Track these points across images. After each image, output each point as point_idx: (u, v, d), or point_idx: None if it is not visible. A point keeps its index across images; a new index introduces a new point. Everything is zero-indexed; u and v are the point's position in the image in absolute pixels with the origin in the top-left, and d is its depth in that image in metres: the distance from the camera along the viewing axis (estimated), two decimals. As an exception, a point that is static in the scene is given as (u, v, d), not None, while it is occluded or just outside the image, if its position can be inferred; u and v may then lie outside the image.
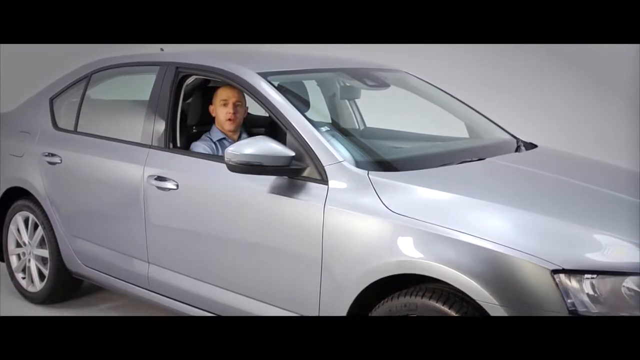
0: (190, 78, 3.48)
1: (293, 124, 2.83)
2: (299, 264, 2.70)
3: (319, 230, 2.61)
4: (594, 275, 2.17)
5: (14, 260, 4.19)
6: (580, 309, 2.13)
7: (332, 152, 2.71)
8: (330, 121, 3.73)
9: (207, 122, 3.50)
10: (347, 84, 3.81)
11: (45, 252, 3.98)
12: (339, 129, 3.45)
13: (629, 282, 2.16)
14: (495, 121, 3.69)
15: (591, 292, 2.16)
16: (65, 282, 3.97)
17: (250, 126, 3.71)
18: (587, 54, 5.72)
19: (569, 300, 2.14)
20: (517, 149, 3.32)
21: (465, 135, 3.60)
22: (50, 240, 3.91)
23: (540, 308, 2.16)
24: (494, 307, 2.20)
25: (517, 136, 3.54)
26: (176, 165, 3.21)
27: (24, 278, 4.14)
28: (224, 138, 3.42)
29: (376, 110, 4.18)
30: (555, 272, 2.15)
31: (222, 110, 3.40)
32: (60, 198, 3.81)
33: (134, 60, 3.77)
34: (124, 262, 3.49)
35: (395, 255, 2.41)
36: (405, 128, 3.85)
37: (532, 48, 5.67)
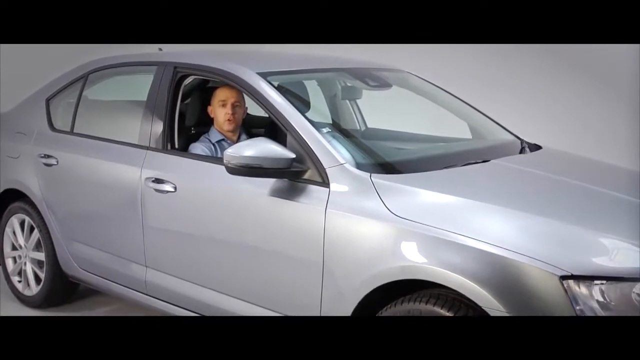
0: (189, 78, 3.42)
1: (293, 125, 2.77)
2: (300, 268, 2.64)
3: (320, 235, 2.55)
4: (603, 282, 2.11)
5: (9, 263, 4.14)
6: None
7: (334, 154, 2.65)
8: (330, 122, 3.67)
9: (205, 123, 3.44)
10: (349, 84, 3.76)
11: (41, 255, 3.93)
12: (340, 130, 3.39)
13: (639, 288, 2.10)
14: (497, 122, 3.63)
15: (601, 299, 2.10)
16: (61, 286, 3.92)
17: (250, 127, 3.65)
18: (587, 54, 5.69)
19: (577, 307, 2.08)
20: (522, 151, 3.26)
21: (468, 136, 3.55)
22: (47, 243, 3.86)
23: (548, 315, 2.10)
24: (500, 314, 2.14)
25: (521, 137, 3.48)
26: (174, 167, 3.15)
27: (20, 281, 4.09)
28: (222, 139, 3.36)
29: (377, 111, 4.13)
30: (563, 278, 2.09)
31: (220, 111, 3.34)
32: (56, 200, 3.75)
33: (132, 60, 3.72)
34: (121, 265, 3.43)
35: (398, 260, 2.35)
36: (407, 129, 3.80)
37: (532, 48, 5.64)
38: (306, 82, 3.41)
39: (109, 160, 3.44)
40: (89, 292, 4.13)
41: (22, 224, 4.04)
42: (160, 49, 3.97)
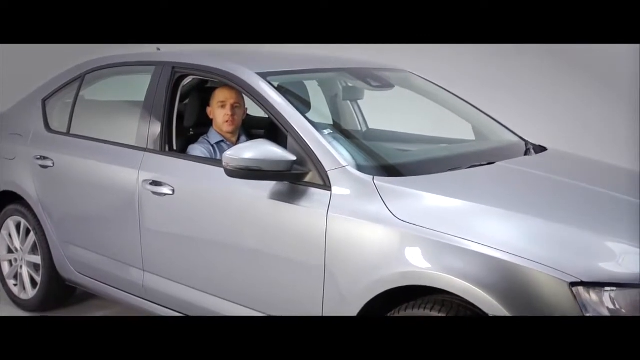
0: (187, 78, 3.38)
1: (294, 126, 2.71)
2: (301, 274, 2.58)
3: (321, 239, 2.49)
4: (614, 288, 2.05)
5: (5, 266, 4.08)
6: (600, 324, 2.01)
7: (336, 156, 2.59)
8: (331, 123, 3.61)
9: (204, 124, 3.38)
10: (350, 85, 3.70)
11: (37, 259, 3.87)
12: (341, 132, 3.32)
13: None
14: (501, 122, 3.57)
15: (611, 306, 2.04)
16: (57, 290, 3.86)
17: (250, 127, 3.59)
18: (587, 54, 5.68)
19: (587, 314, 2.02)
20: (527, 152, 3.20)
21: (471, 137, 3.49)
22: (43, 246, 3.80)
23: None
24: None
25: (525, 138, 3.42)
26: (172, 169, 3.09)
27: (15, 285, 4.03)
28: (222, 141, 3.30)
29: (379, 111, 4.07)
30: (573, 284, 2.03)
31: (219, 112, 3.28)
32: (52, 203, 3.69)
33: (129, 60, 3.66)
34: (118, 269, 3.37)
35: (402, 265, 2.29)
36: (409, 129, 3.75)
37: (532, 48, 5.63)
38: (306, 83, 3.35)
39: (105, 162, 3.38)
40: (86, 296, 4.07)
41: (18, 226, 3.98)
42: (158, 49, 3.92)
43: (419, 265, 2.27)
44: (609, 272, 2.10)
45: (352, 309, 2.41)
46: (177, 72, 3.23)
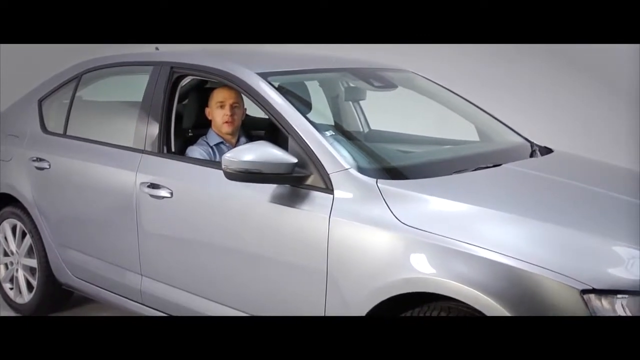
0: (186, 78, 3.30)
1: (295, 128, 2.64)
2: (303, 279, 2.51)
3: (323, 243, 2.42)
4: (625, 295, 1.98)
5: (1, 270, 4.01)
6: (613, 333, 1.95)
7: (338, 158, 2.52)
8: (333, 124, 3.54)
9: (203, 125, 3.32)
10: (352, 85, 3.63)
11: (33, 262, 3.81)
12: (344, 133, 3.25)
13: None
14: (505, 123, 3.51)
15: (623, 313, 1.97)
16: (54, 294, 3.79)
17: (250, 128, 3.53)
18: (587, 54, 5.67)
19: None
20: (532, 154, 3.14)
21: (475, 138, 3.42)
22: (39, 249, 3.74)
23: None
24: None
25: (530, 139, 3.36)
26: (170, 171, 3.02)
27: (11, 289, 3.97)
28: (221, 142, 3.24)
29: (381, 112, 4.01)
30: (584, 292, 1.96)
31: (218, 113, 3.22)
32: (48, 205, 3.63)
33: (127, 60, 3.60)
34: (116, 274, 3.30)
35: (407, 271, 2.22)
36: (412, 130, 3.69)
37: (531, 48, 5.61)
38: (307, 83, 3.28)
39: (102, 164, 3.31)
40: (83, 300, 3.99)
41: (13, 229, 3.92)
42: (157, 48, 3.86)
43: (424, 271, 2.20)
44: (620, 278, 2.03)
45: (356, 314, 2.35)
46: (175, 72, 3.17)
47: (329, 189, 2.48)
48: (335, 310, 2.43)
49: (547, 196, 2.56)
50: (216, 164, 2.81)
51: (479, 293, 2.08)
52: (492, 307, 2.05)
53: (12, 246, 3.93)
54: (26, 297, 3.87)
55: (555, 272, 2.01)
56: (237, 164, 2.49)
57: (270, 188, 2.59)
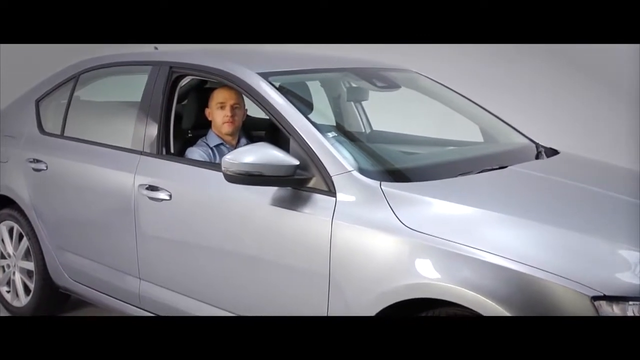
0: (185, 79, 3.25)
1: (297, 129, 2.59)
2: (304, 283, 2.46)
3: (326, 247, 2.37)
4: (637, 302, 1.93)
5: (-3, 272, 3.96)
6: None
7: (341, 160, 2.47)
8: (334, 125, 3.48)
9: (203, 126, 3.26)
10: (354, 85, 3.58)
11: (30, 265, 3.75)
12: (346, 134, 3.20)
13: None
14: (510, 124, 3.46)
15: (636, 321, 1.92)
16: (51, 297, 3.73)
17: (250, 129, 3.48)
18: (587, 54, 5.65)
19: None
20: (538, 156, 3.08)
21: (479, 139, 3.37)
22: (36, 252, 3.68)
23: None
24: None
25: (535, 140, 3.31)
26: (169, 173, 2.97)
27: (8, 292, 3.91)
28: (221, 143, 3.18)
29: (383, 112, 3.97)
30: (595, 298, 1.91)
31: (218, 114, 3.16)
32: (45, 207, 3.57)
33: (125, 60, 3.54)
34: (114, 277, 3.25)
35: (412, 277, 2.17)
36: (414, 131, 3.64)
37: (531, 48, 5.60)
38: (308, 83, 3.23)
39: (100, 166, 3.26)
40: (80, 304, 3.94)
41: (10, 231, 3.87)
42: (155, 48, 3.81)
43: (429, 277, 2.15)
44: (631, 284, 1.98)
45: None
46: (174, 72, 3.11)
47: (331, 191, 2.43)
48: (337, 313, 2.37)
49: (555, 199, 2.51)
50: (216, 166, 2.76)
51: (485, 299, 2.03)
52: (498, 313, 2.00)
53: (9, 249, 3.87)
54: (23, 300, 3.81)
55: (565, 278, 1.96)
56: (237, 166, 2.44)
57: (271, 191, 2.54)
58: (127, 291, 3.18)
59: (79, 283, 3.49)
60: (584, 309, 1.92)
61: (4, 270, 3.92)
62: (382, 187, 2.37)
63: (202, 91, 3.45)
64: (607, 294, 1.92)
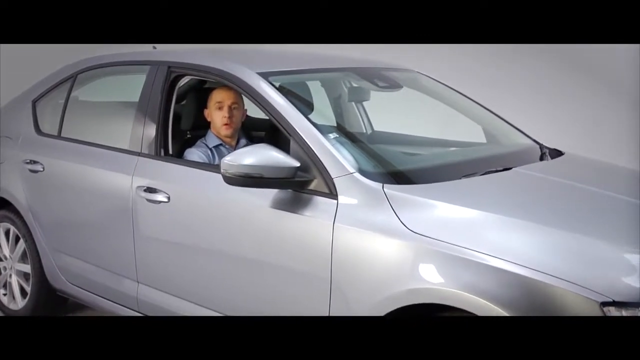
0: (184, 78, 3.20)
1: (298, 130, 2.54)
2: (305, 287, 2.41)
3: (327, 251, 2.32)
4: None
5: (-6, 275, 3.91)
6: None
7: (342, 162, 2.42)
8: (335, 126, 3.44)
9: (202, 126, 3.22)
10: (355, 85, 3.53)
11: (27, 267, 3.70)
12: (347, 135, 3.15)
13: None
14: (513, 125, 3.41)
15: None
16: (48, 300, 3.67)
17: (250, 129, 3.43)
18: (587, 54, 5.64)
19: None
20: (542, 157, 3.03)
21: (482, 139, 3.32)
22: (33, 254, 3.63)
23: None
24: None
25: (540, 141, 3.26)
26: (168, 175, 2.92)
27: (5, 294, 3.85)
28: (220, 144, 3.14)
29: (384, 112, 3.92)
30: (604, 304, 1.86)
31: (217, 114, 3.11)
32: (42, 209, 3.52)
33: (123, 60, 3.50)
34: (111, 280, 3.20)
35: (416, 281, 2.12)
36: (416, 131, 3.59)
37: (531, 48, 5.57)
38: (308, 83, 3.18)
39: (97, 167, 3.21)
40: (78, 307, 3.89)
41: (7, 233, 3.82)
42: (154, 47, 3.76)
43: (433, 282, 2.10)
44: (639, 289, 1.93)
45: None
46: (173, 72, 3.07)
47: (332, 194, 2.38)
48: (339, 319, 2.33)
49: (561, 202, 2.46)
50: (215, 168, 2.71)
51: (490, 304, 1.98)
52: (505, 319, 1.96)
53: (6, 251, 3.82)
54: (20, 303, 3.76)
55: (572, 283, 1.91)
56: (236, 168, 2.39)
57: (271, 193, 2.49)
58: (125, 294, 3.13)
59: (76, 286, 3.44)
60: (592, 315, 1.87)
61: (0, 273, 3.87)
62: (384, 189, 2.32)
63: (201, 91, 3.42)
64: (616, 299, 1.87)
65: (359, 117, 3.81)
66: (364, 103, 3.81)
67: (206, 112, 3.18)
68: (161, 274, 2.97)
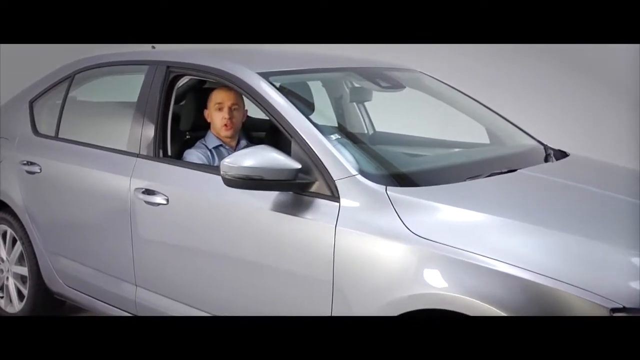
0: (183, 79, 3.16)
1: (299, 131, 2.49)
2: (307, 292, 2.37)
3: (329, 255, 2.28)
4: None
5: (-9, 277, 3.86)
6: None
7: (344, 164, 2.37)
8: (337, 126, 3.39)
9: (202, 127, 3.17)
10: (357, 85, 3.48)
11: (24, 270, 3.66)
12: (349, 136, 3.10)
13: None
14: (517, 125, 3.37)
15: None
16: (46, 303, 3.63)
17: (251, 130, 3.38)
18: (587, 54, 5.60)
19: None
20: (547, 158, 2.99)
21: (485, 140, 3.28)
22: (30, 257, 3.59)
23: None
24: None
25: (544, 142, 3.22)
26: (166, 176, 2.87)
27: (2, 297, 3.81)
28: (220, 145, 3.09)
29: (384, 113, 3.88)
30: (614, 310, 1.82)
31: (217, 115, 3.07)
32: (39, 211, 3.48)
33: (121, 59, 3.45)
34: (109, 283, 3.15)
35: (420, 286, 2.08)
36: (418, 132, 3.55)
37: (531, 48, 5.53)
38: (309, 84, 3.13)
39: (95, 169, 3.17)
40: (75, 310, 3.84)
41: (4, 235, 3.77)
42: (153, 47, 3.72)
43: (437, 287, 2.06)
44: None
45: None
46: (172, 72, 3.02)
47: (334, 196, 2.33)
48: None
49: (567, 204, 2.41)
50: (215, 169, 2.67)
51: (495, 310, 1.94)
52: (511, 325, 1.91)
53: (3, 253, 3.78)
54: (17, 306, 3.72)
55: (581, 289, 1.87)
56: (236, 170, 2.35)
57: (272, 195, 2.45)
58: (123, 298, 3.09)
59: (74, 289, 3.40)
60: (603, 322, 1.83)
61: (-3, 275, 3.84)
62: (387, 191, 2.28)
63: (200, 91, 3.38)
64: (627, 306, 1.83)
65: (361, 117, 3.77)
66: (366, 103, 3.76)
67: (206, 113, 3.13)
68: (160, 277, 2.92)
